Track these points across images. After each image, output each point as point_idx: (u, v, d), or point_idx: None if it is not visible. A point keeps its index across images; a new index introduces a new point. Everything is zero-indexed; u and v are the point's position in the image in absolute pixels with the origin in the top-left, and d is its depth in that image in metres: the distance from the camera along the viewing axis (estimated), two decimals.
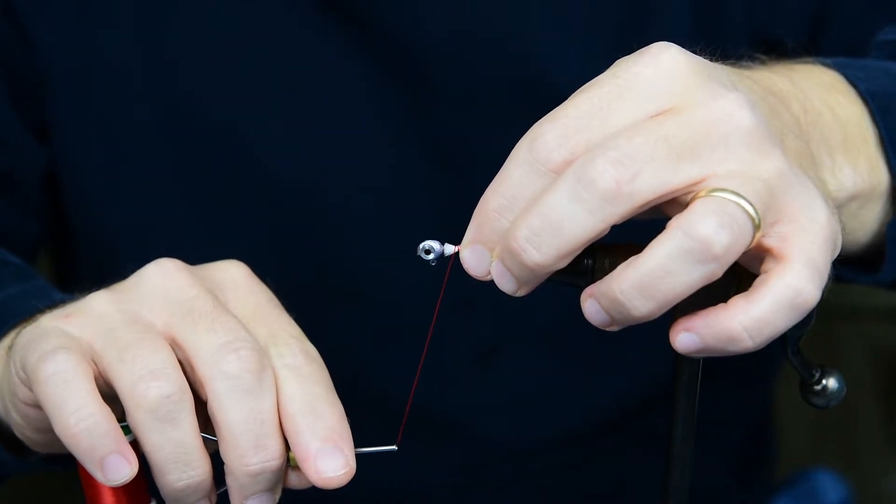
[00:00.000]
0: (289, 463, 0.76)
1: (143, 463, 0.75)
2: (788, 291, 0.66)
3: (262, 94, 1.06)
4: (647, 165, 0.66)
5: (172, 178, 1.08)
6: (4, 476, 0.95)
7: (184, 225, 1.09)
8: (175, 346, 0.75)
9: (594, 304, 0.68)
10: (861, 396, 2.00)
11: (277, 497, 0.77)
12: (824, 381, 0.75)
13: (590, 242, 0.67)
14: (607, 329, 0.69)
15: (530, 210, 0.67)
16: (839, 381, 0.75)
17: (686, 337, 0.68)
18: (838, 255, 0.71)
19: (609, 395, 1.14)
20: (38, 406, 0.76)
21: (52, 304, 0.88)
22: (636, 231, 0.70)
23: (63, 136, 1.08)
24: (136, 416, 0.73)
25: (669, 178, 0.66)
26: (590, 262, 0.70)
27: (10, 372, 0.78)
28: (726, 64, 0.74)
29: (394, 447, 0.80)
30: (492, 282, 0.71)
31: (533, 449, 1.15)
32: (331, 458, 0.76)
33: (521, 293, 0.70)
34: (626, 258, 0.67)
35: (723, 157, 0.67)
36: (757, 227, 0.66)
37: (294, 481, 0.77)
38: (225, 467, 0.74)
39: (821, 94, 0.84)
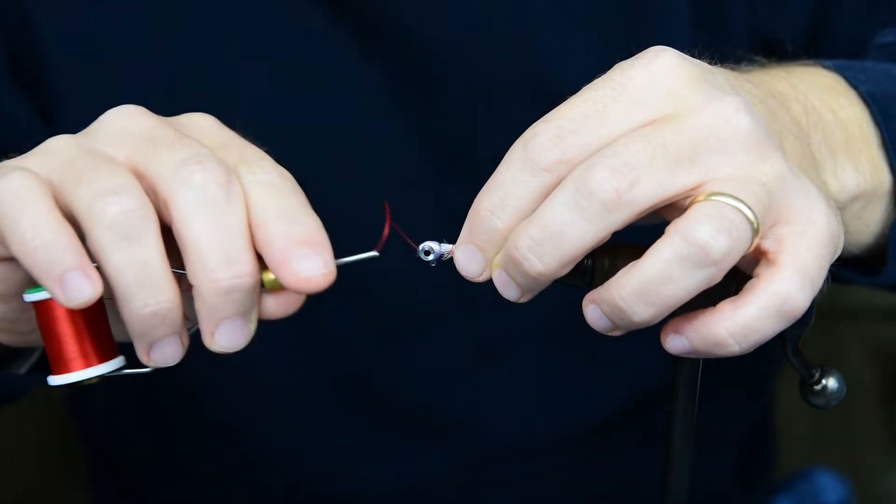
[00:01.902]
0: (263, 286, 0.71)
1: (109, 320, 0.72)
2: (775, 299, 0.66)
3: (266, 90, 1.06)
4: (646, 173, 0.66)
5: None
6: None
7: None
8: (139, 177, 0.71)
9: (596, 310, 0.69)
10: (861, 396, 2.00)
11: (252, 328, 0.71)
12: (824, 381, 0.75)
13: (591, 250, 0.67)
14: (610, 334, 0.70)
15: (531, 220, 0.67)
16: (839, 381, 0.75)
17: (675, 339, 0.69)
18: (840, 257, 0.71)
19: (610, 394, 1.14)
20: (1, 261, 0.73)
21: None
22: (636, 232, 0.70)
23: (65, 127, 1.08)
24: (95, 235, 0.68)
25: (668, 184, 0.66)
26: (589, 262, 0.70)
27: None
28: (725, 67, 0.74)
29: (375, 253, 0.75)
30: (487, 282, 0.71)
31: (534, 447, 1.15)
32: (309, 259, 0.70)
33: (523, 300, 0.70)
34: (625, 258, 0.67)
35: (721, 162, 0.67)
36: (756, 231, 0.66)
37: (271, 307, 0.72)
38: (194, 292, 0.69)
39: (821, 95, 0.84)
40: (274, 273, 0.70)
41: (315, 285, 0.70)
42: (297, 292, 0.71)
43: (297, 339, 1.12)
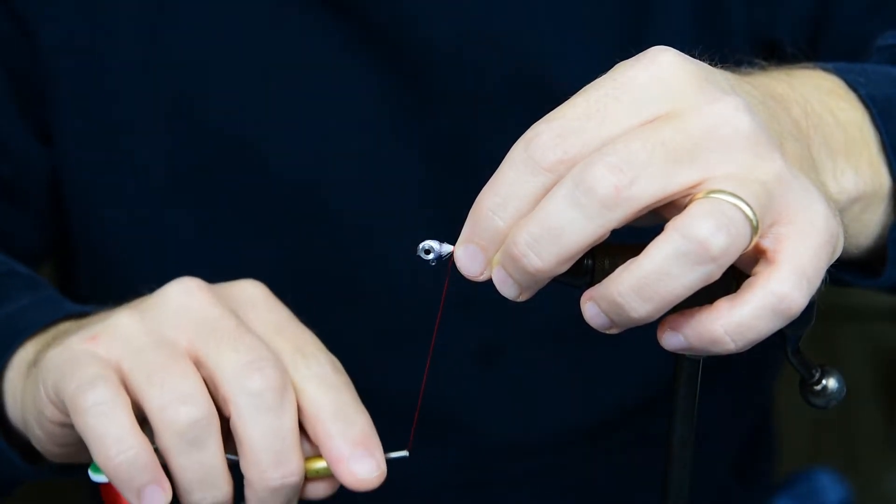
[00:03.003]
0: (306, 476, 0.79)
1: None
2: (772, 298, 0.66)
3: (263, 93, 1.06)
4: (645, 170, 0.66)
5: (173, 180, 1.08)
6: (17, 483, 0.97)
7: (185, 226, 1.09)
8: (199, 365, 0.78)
9: (594, 307, 0.68)
10: (861, 396, 2.00)
11: None
12: (824, 381, 0.75)
13: (590, 247, 0.67)
14: (608, 332, 0.70)
15: (530, 217, 0.67)
16: (839, 381, 0.75)
17: (671, 336, 0.69)
18: (840, 259, 0.71)
19: (610, 394, 1.14)
20: (65, 425, 0.79)
21: (67, 316, 0.90)
22: (635, 232, 0.70)
23: (65, 138, 1.08)
24: (164, 439, 0.76)
25: (667, 182, 0.66)
26: (589, 262, 0.70)
27: (38, 391, 0.80)
28: (725, 69, 0.74)
29: (405, 453, 0.83)
30: (487, 282, 0.71)
31: (534, 448, 1.15)
32: (365, 461, 0.79)
33: (522, 298, 0.70)
34: (625, 258, 0.67)
35: (720, 161, 0.67)
36: (755, 229, 0.66)
37: (311, 492, 0.80)
38: (245, 482, 0.78)
39: (821, 98, 0.84)
40: (332, 469, 0.79)
41: (369, 485, 0.79)
42: (352, 489, 0.80)
43: None
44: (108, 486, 0.79)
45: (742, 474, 1.27)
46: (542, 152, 0.68)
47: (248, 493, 0.78)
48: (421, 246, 0.73)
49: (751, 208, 0.66)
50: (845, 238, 0.71)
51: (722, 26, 1.06)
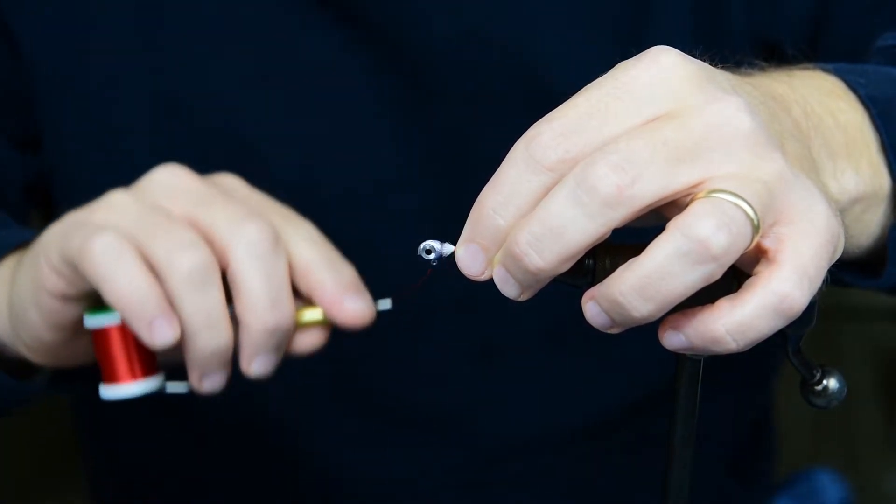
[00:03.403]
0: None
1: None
2: (773, 297, 0.66)
3: (261, 92, 1.06)
4: (647, 169, 0.66)
5: None
6: (6, 407, 1.00)
7: None
8: (196, 228, 0.84)
9: (595, 306, 0.68)
10: (861, 396, 2.00)
11: (279, 359, 0.87)
12: (825, 381, 0.75)
13: (591, 246, 0.67)
14: (609, 331, 0.70)
15: (531, 216, 0.67)
16: (840, 382, 0.75)
17: (673, 335, 0.69)
18: (840, 259, 0.71)
19: (610, 393, 1.14)
20: (67, 299, 0.85)
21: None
22: (636, 232, 0.70)
23: (62, 140, 1.08)
24: (172, 283, 0.82)
25: (669, 181, 0.66)
26: (591, 262, 0.70)
27: (37, 267, 0.85)
28: (726, 69, 0.74)
29: (389, 302, 0.91)
30: (489, 281, 0.71)
31: (534, 448, 1.15)
32: (357, 299, 0.88)
33: (523, 298, 0.70)
34: (626, 258, 0.67)
35: (722, 160, 0.67)
36: (756, 229, 0.66)
37: (300, 344, 0.88)
38: (241, 327, 0.84)
39: (821, 99, 0.84)
40: (326, 310, 0.87)
41: (362, 321, 0.88)
42: (346, 327, 0.88)
43: None
44: (101, 333, 0.85)
45: (742, 474, 1.27)
46: (543, 151, 0.67)
47: (244, 336, 0.84)
48: (422, 246, 0.73)
49: (752, 208, 0.66)
50: (846, 238, 0.71)
51: (722, 27, 1.06)
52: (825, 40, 1.08)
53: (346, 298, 0.87)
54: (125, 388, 0.87)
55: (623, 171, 0.66)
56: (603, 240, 0.67)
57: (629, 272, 0.66)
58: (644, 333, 0.73)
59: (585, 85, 0.70)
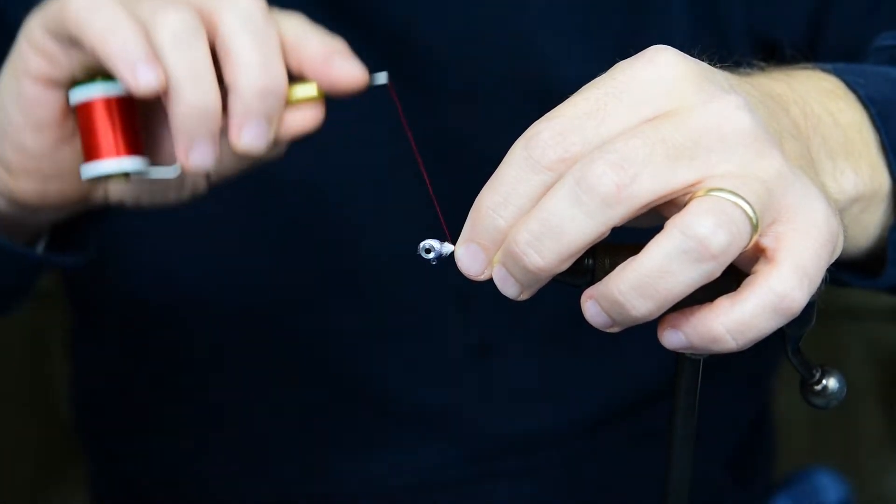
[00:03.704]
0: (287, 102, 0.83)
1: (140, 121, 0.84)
2: (772, 296, 0.66)
3: None
4: (646, 168, 0.66)
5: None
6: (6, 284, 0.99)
7: (182, 221, 1.09)
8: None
9: (594, 305, 0.68)
10: (861, 396, 2.00)
11: (272, 136, 0.83)
12: (825, 381, 0.75)
13: (591, 245, 0.67)
14: (608, 330, 0.70)
15: (530, 215, 0.67)
16: (839, 381, 0.75)
17: (672, 334, 0.69)
18: (839, 259, 0.71)
19: (608, 391, 1.14)
20: (46, 80, 0.83)
21: None
22: (636, 233, 0.70)
23: None
24: (158, 37, 0.79)
25: (668, 179, 0.66)
26: (590, 262, 0.70)
27: (17, 53, 0.83)
28: (724, 69, 0.74)
29: (385, 76, 0.88)
30: (487, 280, 0.71)
31: (531, 444, 1.15)
32: (350, 60, 0.85)
33: (523, 297, 0.70)
34: (626, 258, 0.67)
35: (720, 159, 0.67)
36: (755, 227, 0.66)
37: (293, 122, 0.84)
38: (230, 94, 0.81)
39: (820, 99, 0.84)
40: (316, 75, 0.83)
41: (355, 83, 0.85)
42: (338, 91, 0.84)
43: (295, 337, 1.12)
44: (85, 108, 0.83)
45: (741, 474, 1.27)
46: (542, 151, 0.68)
47: (233, 101, 0.81)
48: (421, 245, 0.73)
49: (751, 206, 0.66)
50: (845, 239, 0.71)
51: (721, 26, 1.06)
52: (823, 40, 1.08)
53: (335, 60, 0.83)
54: (106, 163, 0.83)
55: (622, 169, 0.66)
56: (602, 239, 0.68)
57: (628, 271, 0.66)
58: (643, 332, 0.73)
59: (586, 83, 0.70)
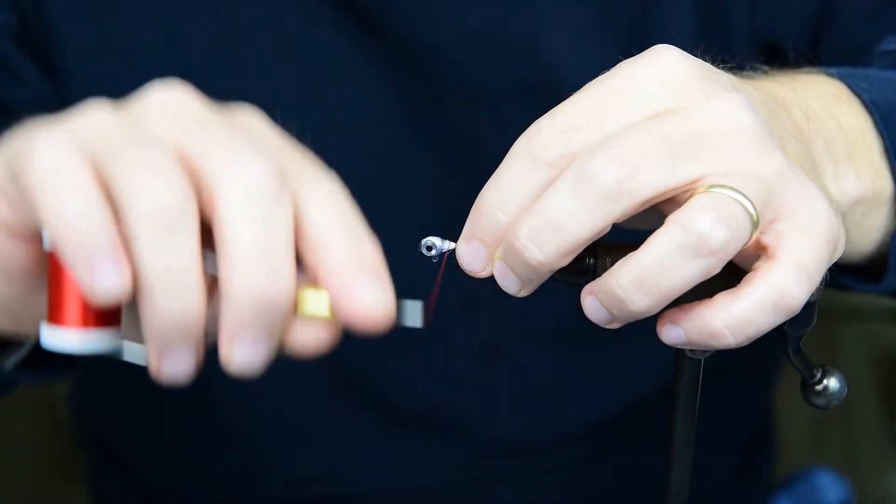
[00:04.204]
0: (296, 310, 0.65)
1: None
2: (771, 292, 0.67)
3: (270, 90, 1.06)
4: (647, 163, 0.66)
5: None
6: None
7: None
8: (182, 160, 0.63)
9: (594, 301, 0.69)
10: (861, 396, 2.00)
11: (272, 352, 0.65)
12: (825, 381, 0.75)
13: (591, 240, 0.68)
14: (608, 326, 0.70)
15: (531, 209, 0.67)
16: (840, 381, 0.75)
17: (671, 329, 0.69)
18: (841, 263, 0.71)
19: (612, 393, 1.14)
20: (12, 231, 0.66)
21: None
22: (636, 235, 0.70)
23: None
24: (132, 220, 0.61)
25: (669, 175, 0.66)
26: (592, 261, 0.70)
27: None
28: (727, 70, 0.74)
29: (419, 303, 0.68)
30: (490, 279, 0.71)
31: (536, 447, 1.15)
32: (374, 286, 0.64)
33: (523, 293, 0.70)
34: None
35: (722, 157, 0.67)
36: (755, 224, 0.66)
37: (298, 337, 0.66)
38: (223, 293, 0.63)
39: (824, 103, 0.84)
40: (333, 292, 0.64)
41: (375, 318, 0.64)
42: (354, 323, 0.64)
43: None
44: (54, 256, 0.64)
45: (742, 474, 1.27)
46: (544, 147, 0.68)
47: (225, 307, 0.62)
48: (423, 242, 0.73)
49: (751, 203, 0.66)
50: (847, 243, 0.71)
51: (725, 29, 1.07)
52: (827, 43, 1.08)
53: (359, 280, 0.63)
54: (69, 335, 0.64)
55: (623, 164, 0.66)
56: (603, 234, 0.68)
57: (628, 266, 0.66)
58: (647, 334, 0.73)
59: (589, 82, 0.70)
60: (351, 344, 1.11)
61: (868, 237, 0.88)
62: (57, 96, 1.08)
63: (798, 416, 1.85)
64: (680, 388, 0.75)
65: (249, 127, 0.67)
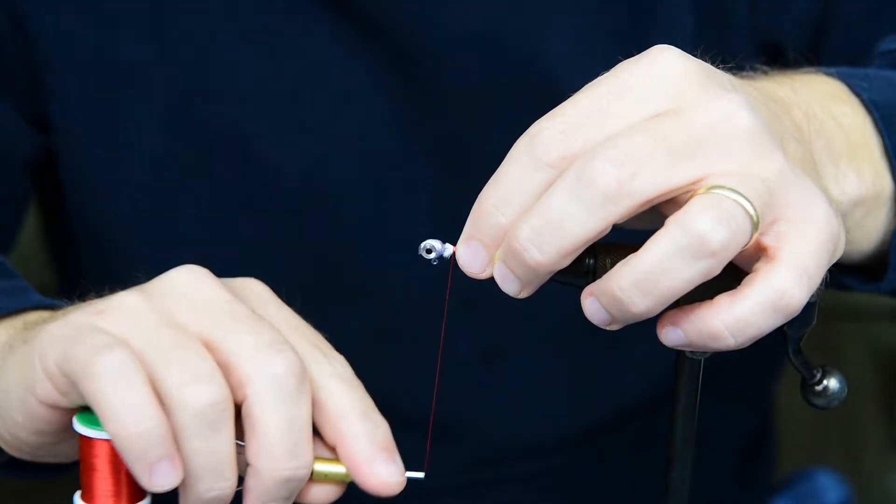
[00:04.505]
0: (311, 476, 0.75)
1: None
2: (772, 293, 0.67)
3: (268, 92, 1.06)
4: (647, 164, 0.66)
5: (176, 176, 1.08)
6: None
7: (187, 222, 1.09)
8: (210, 350, 0.72)
9: (594, 302, 0.69)
10: (861, 396, 2.00)
11: None
12: (825, 382, 0.75)
13: (591, 242, 0.68)
14: (608, 328, 0.70)
15: (531, 210, 0.67)
16: (840, 382, 0.75)
17: (671, 331, 0.69)
18: (842, 263, 0.71)
19: (612, 395, 1.14)
20: (55, 407, 0.74)
21: (37, 307, 0.87)
22: (636, 234, 0.70)
23: (66, 131, 1.08)
24: (180, 420, 0.70)
25: (668, 176, 0.66)
26: (591, 261, 0.70)
27: (31, 367, 0.74)
28: (727, 70, 0.74)
29: (421, 475, 0.79)
30: (491, 281, 0.71)
31: (536, 449, 1.15)
32: (389, 465, 0.75)
33: (523, 295, 0.70)
34: (627, 256, 0.68)
35: (722, 158, 0.67)
36: (755, 225, 0.66)
37: (311, 496, 0.75)
38: (249, 471, 0.73)
39: (824, 103, 0.84)
40: (352, 471, 0.74)
41: (393, 490, 0.75)
42: (373, 493, 0.75)
43: None
44: (89, 441, 0.73)
45: (742, 475, 1.27)
46: (544, 148, 0.68)
47: (253, 482, 0.73)
48: (422, 246, 0.73)
49: (751, 204, 0.66)
50: (848, 242, 0.71)
51: (725, 29, 1.06)
52: (827, 44, 1.08)
53: (378, 462, 0.74)
54: None
55: (623, 165, 0.66)
56: (603, 235, 0.68)
57: (628, 267, 0.66)
58: (647, 335, 0.73)
59: (589, 83, 0.70)
60: (350, 349, 1.11)
61: (868, 237, 0.88)
62: (37, 130, 1.08)
63: (798, 416, 1.85)
64: (680, 388, 0.75)
65: (259, 302, 0.76)
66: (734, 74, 0.75)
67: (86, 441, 0.73)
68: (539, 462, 1.15)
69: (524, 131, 0.69)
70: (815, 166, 0.78)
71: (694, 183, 0.67)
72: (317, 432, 0.75)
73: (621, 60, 0.71)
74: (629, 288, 0.67)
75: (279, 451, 0.72)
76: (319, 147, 1.07)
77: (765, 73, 0.86)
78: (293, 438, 0.72)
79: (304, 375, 0.72)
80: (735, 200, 0.66)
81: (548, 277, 0.69)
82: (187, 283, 0.75)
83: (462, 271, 0.72)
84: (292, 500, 0.75)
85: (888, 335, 2.07)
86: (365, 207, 1.08)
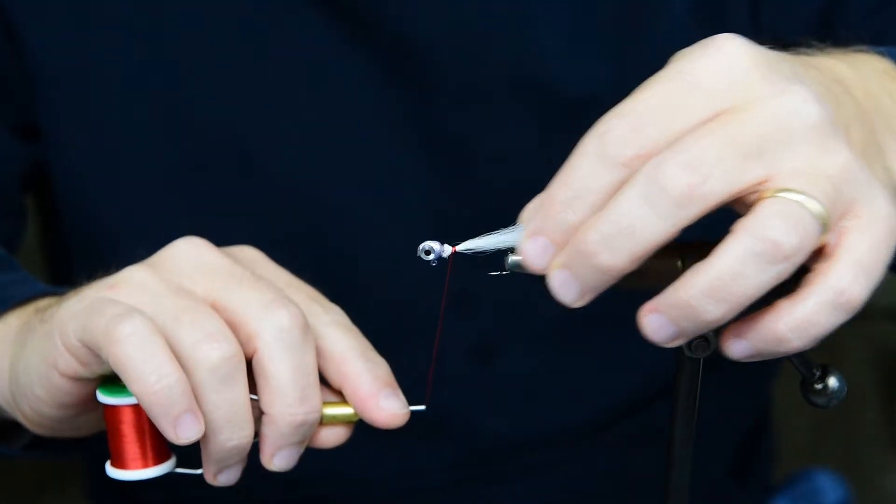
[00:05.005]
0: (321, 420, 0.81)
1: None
2: (831, 293, 0.67)
3: (260, 92, 1.06)
4: (717, 168, 0.66)
5: (170, 178, 1.08)
6: None
7: (180, 224, 1.08)
8: (217, 310, 0.78)
9: (658, 317, 0.68)
10: (861, 396, 2.00)
11: (301, 452, 0.81)
12: (825, 381, 0.75)
13: (661, 246, 0.67)
14: (669, 345, 0.69)
15: (601, 215, 0.67)
16: (840, 381, 0.75)
17: (737, 343, 0.69)
18: None
19: (608, 392, 1.14)
20: (77, 379, 0.79)
21: (44, 294, 0.91)
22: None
23: (57, 136, 1.08)
24: (197, 376, 0.76)
25: (737, 178, 0.66)
26: (680, 264, 0.70)
27: (52, 342, 0.79)
28: (788, 52, 0.73)
29: (423, 407, 0.83)
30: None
31: (533, 445, 1.15)
32: (392, 398, 0.81)
33: (580, 303, 0.69)
34: (702, 257, 0.67)
35: (788, 154, 0.67)
36: (825, 227, 0.66)
37: (323, 439, 0.81)
38: (265, 419, 0.78)
39: (879, 79, 0.84)
40: (358, 407, 0.81)
41: (398, 421, 0.81)
42: (380, 426, 0.81)
43: None
44: (114, 410, 0.79)
45: (741, 474, 1.27)
46: (618, 147, 0.67)
47: (269, 429, 0.78)
48: (421, 247, 0.73)
49: (821, 205, 0.66)
50: None
51: (726, 28, 1.06)
52: (828, 42, 1.07)
53: (381, 397, 0.81)
54: (135, 473, 0.82)
55: (693, 170, 0.66)
56: (672, 238, 0.67)
57: (699, 275, 0.66)
58: (640, 333, 0.73)
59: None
60: None
61: None
62: (25, 141, 1.09)
63: (798, 416, 1.85)
64: (680, 387, 0.74)
65: (256, 265, 0.83)
66: (795, 53, 0.75)
67: (111, 410, 0.79)
68: (534, 459, 1.15)
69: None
70: (879, 147, 0.78)
71: (760, 182, 0.67)
72: (323, 381, 0.80)
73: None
74: (700, 296, 0.66)
75: (291, 397, 0.77)
76: (316, 147, 1.07)
77: (820, 49, 0.85)
78: (302, 384, 0.77)
79: (307, 326, 0.78)
80: (804, 205, 0.66)
81: (611, 283, 0.69)
82: (189, 252, 0.80)
83: (525, 266, 0.71)
84: (305, 444, 0.80)
85: (888, 335, 2.08)
86: (362, 206, 1.08)
